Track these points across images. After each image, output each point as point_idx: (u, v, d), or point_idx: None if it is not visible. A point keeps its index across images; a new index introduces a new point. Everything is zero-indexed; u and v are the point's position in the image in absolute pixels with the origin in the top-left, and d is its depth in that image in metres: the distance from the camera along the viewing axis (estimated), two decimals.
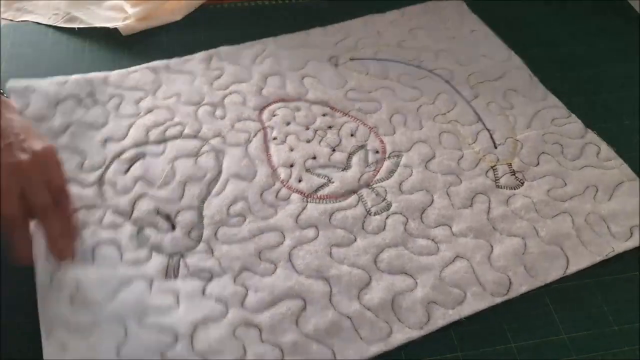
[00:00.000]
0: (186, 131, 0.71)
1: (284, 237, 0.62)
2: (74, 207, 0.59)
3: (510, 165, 0.71)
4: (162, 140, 0.70)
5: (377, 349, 0.55)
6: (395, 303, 0.58)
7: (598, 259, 0.63)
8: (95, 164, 0.67)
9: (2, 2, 0.90)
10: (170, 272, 0.59)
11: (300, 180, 0.67)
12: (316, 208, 0.65)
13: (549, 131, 0.75)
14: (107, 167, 0.67)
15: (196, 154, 0.69)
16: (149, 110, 0.73)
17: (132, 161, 0.68)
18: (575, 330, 0.58)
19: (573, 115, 0.77)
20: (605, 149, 0.73)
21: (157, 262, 0.59)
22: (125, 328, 0.54)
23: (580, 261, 0.62)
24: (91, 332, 0.53)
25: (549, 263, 0.62)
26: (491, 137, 0.74)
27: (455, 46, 0.87)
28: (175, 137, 0.71)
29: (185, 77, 0.78)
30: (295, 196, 0.66)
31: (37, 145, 0.54)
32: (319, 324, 0.56)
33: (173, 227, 0.62)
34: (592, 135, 0.75)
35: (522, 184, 0.69)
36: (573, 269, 0.62)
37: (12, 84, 0.73)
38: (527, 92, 0.80)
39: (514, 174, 0.70)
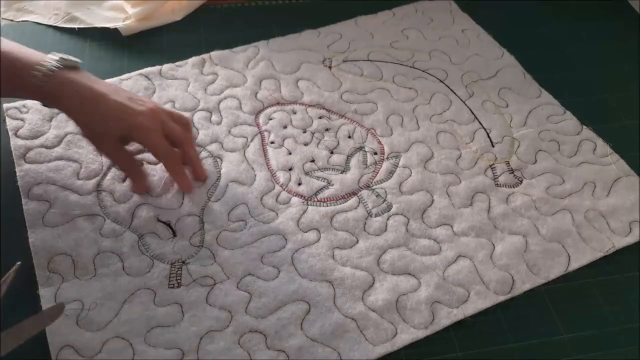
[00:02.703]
0: None
1: (286, 240, 0.62)
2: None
3: (508, 163, 0.71)
4: None
5: (382, 349, 0.55)
6: (400, 304, 0.58)
7: (599, 255, 0.63)
8: (91, 172, 0.67)
9: (2, 2, 0.89)
10: (173, 280, 0.58)
11: (299, 184, 0.67)
12: (317, 211, 0.65)
13: (545, 128, 0.75)
14: (104, 175, 0.66)
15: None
16: None
17: None
18: (575, 330, 0.58)
19: (568, 112, 0.77)
20: (601, 145, 0.73)
21: (159, 270, 0.59)
22: (132, 347, 0.54)
23: (582, 257, 0.63)
24: (100, 352, 0.53)
25: (551, 260, 0.62)
26: (488, 136, 0.74)
27: (448, 45, 0.87)
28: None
29: (178, 82, 0.78)
30: (295, 199, 0.66)
31: (148, 102, 0.64)
32: (324, 326, 0.56)
33: (174, 234, 0.62)
34: (587, 132, 0.75)
35: (521, 182, 0.69)
36: (575, 265, 0.62)
37: (7, 105, 0.73)
38: (521, 90, 0.80)
39: (513, 172, 0.70)
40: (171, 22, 0.89)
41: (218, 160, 0.69)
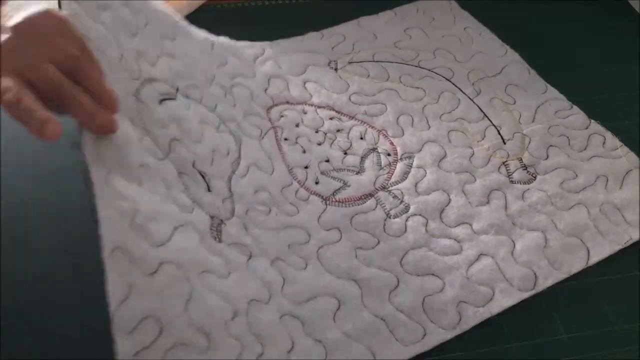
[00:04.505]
0: (204, 101, 0.65)
1: (309, 236, 0.61)
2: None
3: (521, 160, 0.71)
4: (186, 94, 0.63)
5: (414, 350, 0.54)
6: (426, 304, 0.58)
7: (617, 247, 0.63)
8: (130, 73, 0.57)
9: (2, 2, 0.87)
10: (214, 232, 0.54)
11: (317, 183, 0.67)
12: (336, 211, 0.64)
13: (554, 124, 0.76)
14: (142, 86, 0.58)
15: (217, 127, 0.64)
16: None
17: (165, 97, 0.60)
18: (575, 330, 0.58)
19: (575, 107, 0.78)
20: (610, 139, 0.74)
21: (200, 216, 0.54)
22: (190, 282, 0.47)
23: (601, 251, 0.63)
24: (156, 273, 0.46)
25: (571, 255, 0.62)
26: (499, 133, 0.74)
27: (451, 44, 0.87)
28: (196, 99, 0.64)
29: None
30: (314, 198, 0.65)
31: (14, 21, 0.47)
32: (355, 324, 0.55)
33: (209, 189, 0.58)
34: (596, 126, 0.75)
35: (535, 178, 0.69)
36: (595, 259, 0.62)
37: None
38: (527, 86, 0.81)
39: (526, 169, 0.70)
40: None
41: (237, 139, 0.66)
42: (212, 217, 0.55)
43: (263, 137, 0.70)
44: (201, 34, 0.75)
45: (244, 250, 0.56)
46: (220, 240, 0.54)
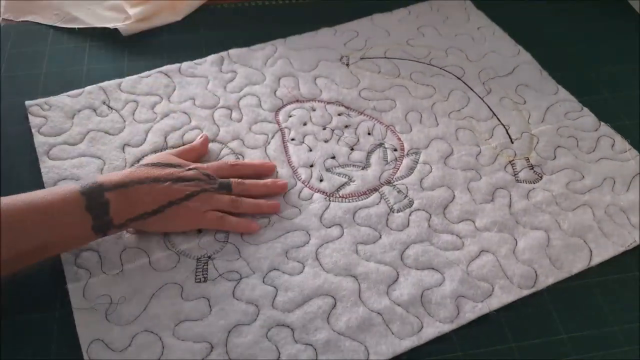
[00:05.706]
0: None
1: (310, 236, 0.62)
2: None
3: (528, 159, 0.71)
4: (181, 144, 0.70)
5: (409, 343, 0.55)
6: (425, 298, 0.58)
7: (621, 249, 0.63)
8: (115, 169, 0.67)
9: (2, 2, 0.89)
10: (200, 275, 0.59)
11: (321, 180, 0.68)
12: (339, 207, 0.65)
13: (563, 125, 0.75)
14: None
15: (216, 158, 0.69)
16: (165, 115, 0.73)
17: None
18: (575, 330, 0.58)
19: (585, 109, 0.78)
20: (620, 141, 0.74)
21: (185, 265, 0.59)
22: (162, 341, 0.54)
23: (604, 252, 0.63)
24: (129, 347, 0.54)
25: (573, 255, 0.62)
26: (507, 132, 0.74)
27: (464, 43, 0.87)
28: (193, 141, 0.70)
29: (198, 80, 0.78)
30: (317, 196, 0.66)
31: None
32: (350, 320, 0.56)
33: (199, 230, 0.62)
34: (605, 128, 0.75)
35: (541, 177, 0.69)
36: (597, 260, 0.62)
37: (29, 103, 0.73)
38: (538, 86, 0.81)
39: (532, 168, 0.70)
40: (171, 22, 0.89)
41: (240, 157, 0.69)
42: (198, 259, 0.60)
43: (269, 142, 0.71)
44: (209, 59, 0.82)
45: (232, 277, 0.59)
46: (205, 280, 0.59)
